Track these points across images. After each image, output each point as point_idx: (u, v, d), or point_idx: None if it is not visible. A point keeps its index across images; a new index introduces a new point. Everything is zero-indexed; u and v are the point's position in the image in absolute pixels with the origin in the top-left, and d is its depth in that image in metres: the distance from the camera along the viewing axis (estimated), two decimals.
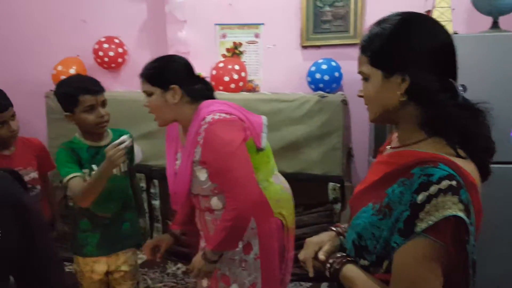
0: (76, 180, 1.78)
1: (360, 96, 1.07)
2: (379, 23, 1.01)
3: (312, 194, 2.82)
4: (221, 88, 3.03)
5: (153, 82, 1.64)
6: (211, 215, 1.72)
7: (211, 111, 1.61)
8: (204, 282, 1.83)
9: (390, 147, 1.12)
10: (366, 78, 1.03)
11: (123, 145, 1.68)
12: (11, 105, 1.93)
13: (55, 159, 1.84)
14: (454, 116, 0.95)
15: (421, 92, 0.95)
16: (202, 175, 1.64)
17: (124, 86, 3.33)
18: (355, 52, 3.15)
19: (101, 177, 1.74)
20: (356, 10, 2.92)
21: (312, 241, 1.18)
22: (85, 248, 1.93)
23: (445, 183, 0.88)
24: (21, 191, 0.93)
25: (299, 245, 2.50)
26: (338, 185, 2.84)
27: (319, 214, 2.80)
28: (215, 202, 1.68)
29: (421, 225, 0.88)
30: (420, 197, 0.88)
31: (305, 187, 2.79)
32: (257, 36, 3.15)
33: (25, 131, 2.58)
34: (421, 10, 2.76)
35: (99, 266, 1.95)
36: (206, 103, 1.67)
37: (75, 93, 1.79)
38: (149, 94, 1.66)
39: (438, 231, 0.87)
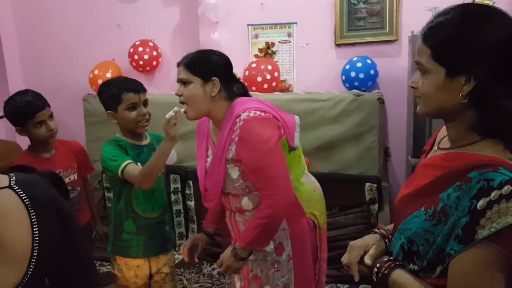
0: (132, 165, 1.80)
1: (412, 87, 1.01)
2: (444, 13, 0.95)
3: (348, 195, 2.77)
4: (254, 88, 3.02)
5: (195, 71, 1.62)
6: (241, 216, 1.71)
7: (246, 108, 1.59)
8: (238, 284, 1.82)
9: (438, 148, 1.06)
10: (424, 71, 0.97)
11: (168, 115, 1.67)
12: (48, 105, 1.99)
13: (102, 155, 1.85)
14: None
15: (484, 96, 0.90)
16: (234, 173, 1.62)
17: (159, 89, 3.38)
18: (391, 49, 3.08)
19: (162, 155, 1.77)
20: (392, 6, 2.84)
21: (356, 245, 1.13)
22: (129, 249, 1.94)
23: (507, 188, 0.83)
24: (61, 197, 0.94)
25: (335, 246, 2.47)
26: (375, 185, 2.77)
27: (356, 215, 2.74)
28: (245, 202, 1.66)
29: (482, 232, 0.84)
30: (481, 203, 0.84)
31: (341, 188, 2.74)
32: (289, 35, 3.12)
33: (64, 134, 2.65)
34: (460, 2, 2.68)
35: (143, 270, 1.97)
36: (240, 100, 1.66)
37: (118, 91, 1.84)
38: (186, 83, 1.63)
39: (501, 238, 0.83)
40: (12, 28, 3.60)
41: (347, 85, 2.93)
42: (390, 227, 1.17)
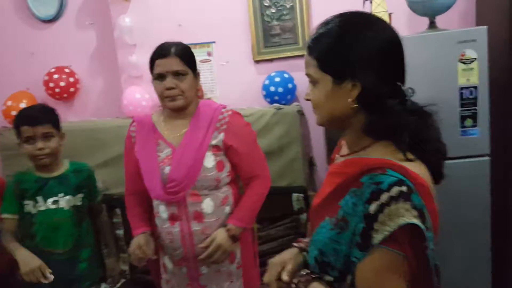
0: (6, 222, 1.84)
1: (308, 100, 1.03)
2: (325, 24, 0.98)
3: (277, 207, 2.80)
4: None
5: (189, 63, 1.67)
6: (200, 224, 1.67)
7: (223, 106, 1.76)
8: None
9: (340, 155, 1.09)
10: (314, 82, 0.99)
11: (42, 279, 1.72)
12: None
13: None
14: (404, 122, 0.93)
15: (372, 98, 0.92)
16: (209, 161, 1.65)
17: (78, 116, 3.26)
18: None
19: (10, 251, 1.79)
20: (303, 22, 2.97)
21: (274, 262, 1.14)
22: (33, 287, 1.82)
23: (395, 190, 0.85)
24: None
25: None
26: (302, 195, 2.84)
27: (286, 227, 2.79)
28: (207, 204, 1.66)
29: (377, 237, 0.84)
30: (373, 207, 0.85)
31: (270, 200, 2.75)
32: (209, 54, 3.16)
33: None
34: None
35: None
36: (209, 101, 1.85)
37: (16, 123, 1.79)
38: (181, 74, 1.63)
39: (395, 241, 0.83)
40: None
41: (268, 99, 3.00)
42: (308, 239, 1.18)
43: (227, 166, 1.72)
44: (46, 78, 3.13)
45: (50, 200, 1.84)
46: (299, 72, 2.96)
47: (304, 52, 3.04)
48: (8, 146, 3.14)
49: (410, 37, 2.27)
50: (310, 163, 3.07)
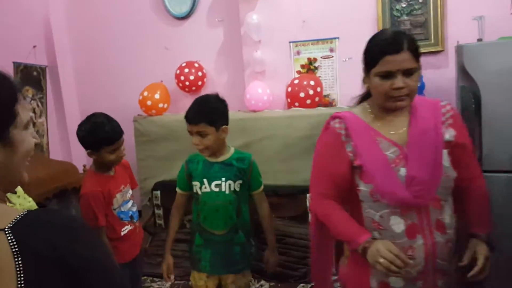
0: (178, 197, 2.13)
1: None
2: None
3: None
4: (297, 104, 3.04)
5: (418, 58, 1.44)
6: (443, 236, 1.42)
7: (438, 99, 1.55)
8: None
9: None
10: None
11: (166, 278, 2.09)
12: (122, 132, 2.11)
13: None
14: None
15: None
16: (446, 160, 1.43)
17: None
18: (437, 60, 2.99)
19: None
20: (437, 16, 2.78)
21: None
22: (199, 263, 2.06)
23: None
24: (74, 244, 0.74)
25: None
26: None
27: None
28: (446, 212, 1.44)
29: None
30: None
31: None
32: (332, 50, 3.12)
33: None
34: (507, 11, 2.58)
35: (212, 281, 2.08)
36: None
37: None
38: (410, 71, 1.39)
39: None
40: (69, 57, 3.83)
41: None
42: None
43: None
44: (178, 71, 3.37)
45: (214, 183, 1.99)
46: (429, 70, 2.80)
47: (436, 49, 2.86)
48: (142, 132, 3.45)
49: None
50: None
